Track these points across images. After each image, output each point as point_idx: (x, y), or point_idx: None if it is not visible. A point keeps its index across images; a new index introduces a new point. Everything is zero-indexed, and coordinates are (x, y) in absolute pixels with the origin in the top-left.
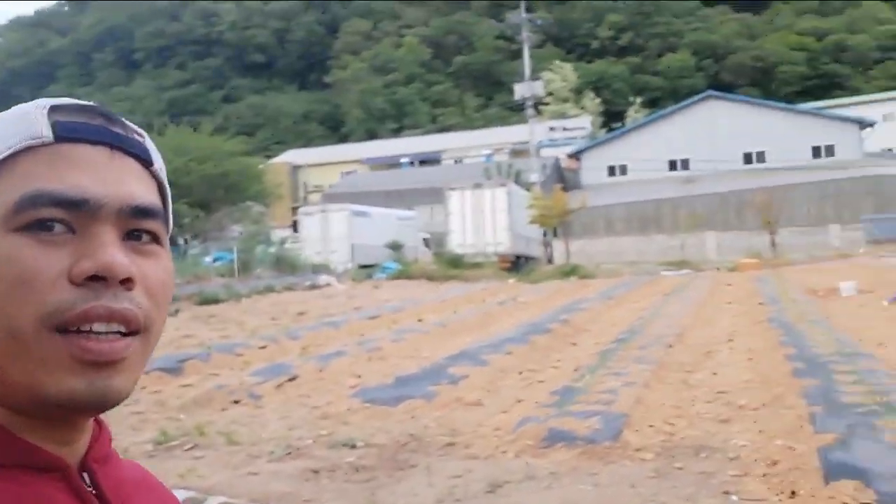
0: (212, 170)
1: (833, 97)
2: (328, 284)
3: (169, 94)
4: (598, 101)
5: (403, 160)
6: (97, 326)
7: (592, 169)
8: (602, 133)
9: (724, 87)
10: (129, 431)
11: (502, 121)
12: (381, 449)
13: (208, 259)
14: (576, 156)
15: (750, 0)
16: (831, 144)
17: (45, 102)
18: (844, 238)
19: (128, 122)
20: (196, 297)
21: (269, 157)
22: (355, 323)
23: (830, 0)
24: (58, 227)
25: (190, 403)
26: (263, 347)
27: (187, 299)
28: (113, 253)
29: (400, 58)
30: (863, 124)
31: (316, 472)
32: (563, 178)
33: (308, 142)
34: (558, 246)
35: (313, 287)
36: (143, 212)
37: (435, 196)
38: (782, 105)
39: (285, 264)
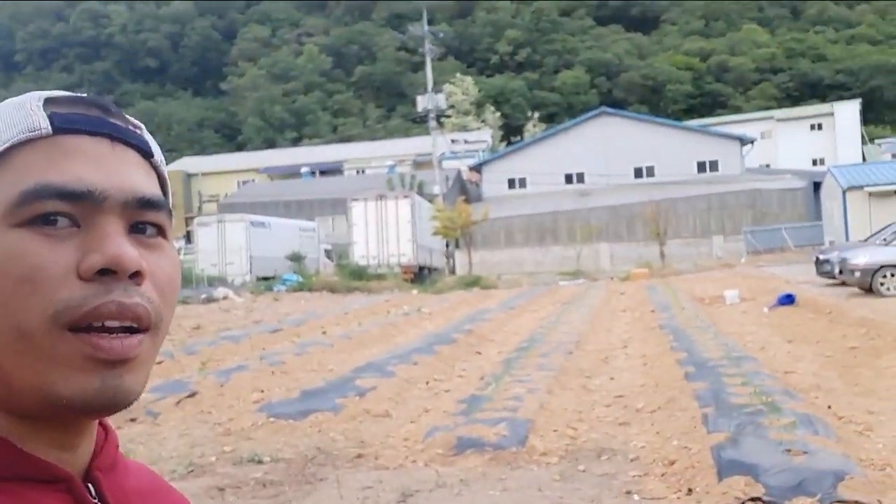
0: None
1: (716, 115)
2: (225, 297)
3: None
4: (498, 114)
5: (304, 170)
6: (109, 323)
7: (493, 181)
8: (502, 146)
9: (616, 103)
10: None
11: (404, 132)
12: (289, 463)
13: None
14: (477, 168)
15: (639, 20)
16: (715, 160)
17: (39, 95)
18: (727, 249)
19: (125, 114)
20: None
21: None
22: (256, 337)
23: (714, 22)
24: (62, 221)
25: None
26: (159, 363)
27: None
28: (121, 245)
29: (300, 66)
30: (744, 141)
31: (221, 489)
32: (466, 190)
33: (203, 150)
34: (460, 257)
35: (209, 300)
36: (148, 203)
37: (337, 207)
38: (670, 122)
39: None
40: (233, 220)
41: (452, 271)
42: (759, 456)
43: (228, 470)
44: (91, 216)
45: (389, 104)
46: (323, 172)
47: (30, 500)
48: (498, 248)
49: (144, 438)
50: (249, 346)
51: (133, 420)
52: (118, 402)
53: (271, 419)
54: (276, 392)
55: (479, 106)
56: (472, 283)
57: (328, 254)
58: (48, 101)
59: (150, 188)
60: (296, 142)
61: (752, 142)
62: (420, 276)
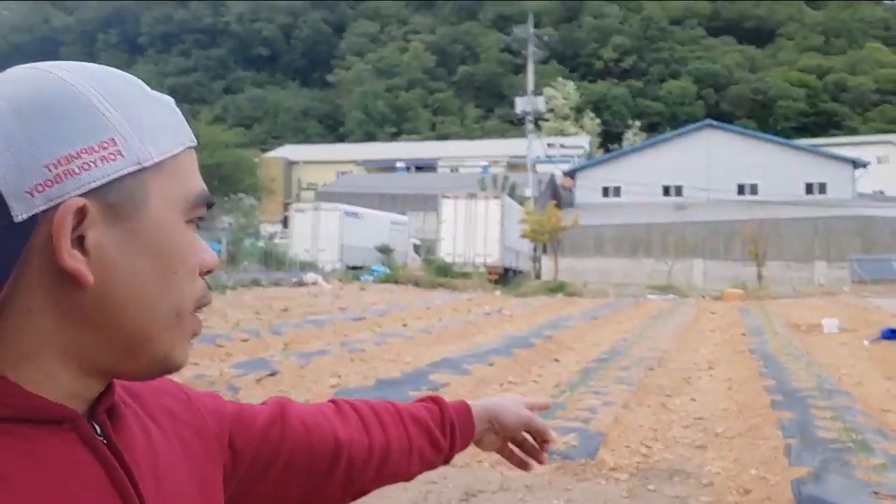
0: (207, 159)
1: (829, 135)
2: (315, 283)
3: (171, 81)
4: (597, 121)
5: (399, 164)
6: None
7: (587, 188)
8: (599, 153)
9: (722, 116)
10: None
11: (500, 133)
12: None
13: None
14: (571, 174)
15: (754, 33)
16: (824, 182)
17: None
18: (830, 276)
19: None
20: None
21: (265, 150)
22: (340, 323)
23: (834, 39)
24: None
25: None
26: (245, 340)
27: None
28: (213, 252)
29: (404, 62)
30: (856, 164)
31: None
32: (558, 195)
33: (305, 139)
34: (547, 262)
35: (300, 284)
36: (210, 204)
37: (428, 203)
38: (779, 139)
39: (273, 259)
40: (328, 209)
41: (538, 276)
42: (843, 495)
43: None
44: None
45: (488, 105)
46: (418, 168)
47: (35, 439)
48: (586, 256)
49: None
50: (332, 332)
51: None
52: (184, 366)
53: None
54: (353, 379)
55: (578, 111)
56: (557, 288)
57: (416, 248)
58: None
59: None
60: (394, 136)
61: (865, 165)
62: (505, 277)
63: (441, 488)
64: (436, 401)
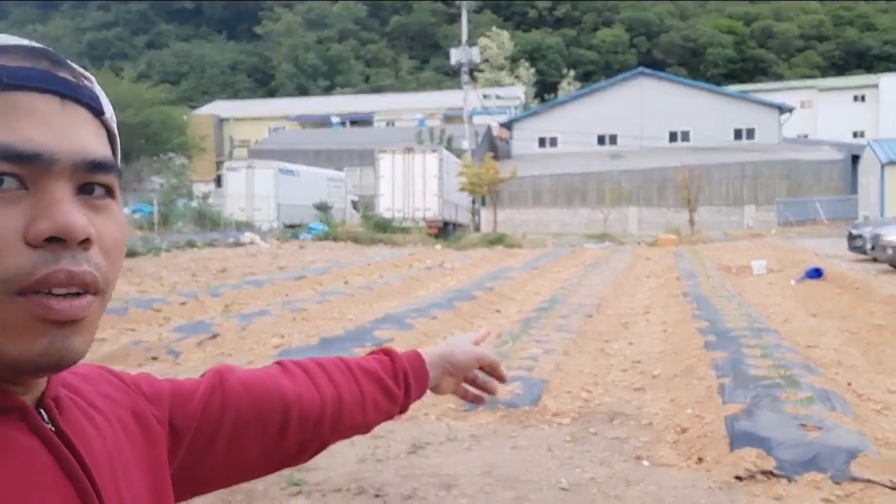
0: (132, 118)
1: (756, 81)
2: (252, 242)
3: (89, 36)
4: (532, 71)
5: (334, 119)
6: (56, 291)
7: (523, 139)
8: (535, 104)
9: (655, 64)
10: None
11: (436, 85)
12: None
13: (127, 211)
14: (508, 125)
15: None
16: (752, 128)
17: None
18: (759, 219)
19: (75, 66)
20: None
21: (193, 107)
22: (280, 283)
23: None
24: (9, 182)
25: (104, 359)
26: (184, 304)
27: None
28: (70, 212)
29: (335, 13)
30: (782, 109)
31: None
32: (495, 147)
33: (235, 94)
34: (486, 214)
35: (236, 245)
36: (97, 166)
37: (365, 158)
38: (709, 86)
39: (207, 220)
40: (262, 167)
41: (477, 228)
42: (772, 429)
43: None
44: (39, 179)
45: (423, 56)
46: (353, 123)
47: None
48: (525, 207)
49: (163, 377)
50: (272, 292)
51: (154, 359)
52: (64, 362)
53: None
54: (296, 338)
55: (513, 61)
56: (496, 240)
57: (354, 205)
58: None
59: (101, 149)
60: (328, 90)
61: (790, 110)
62: (444, 231)
63: (388, 442)
64: (386, 352)
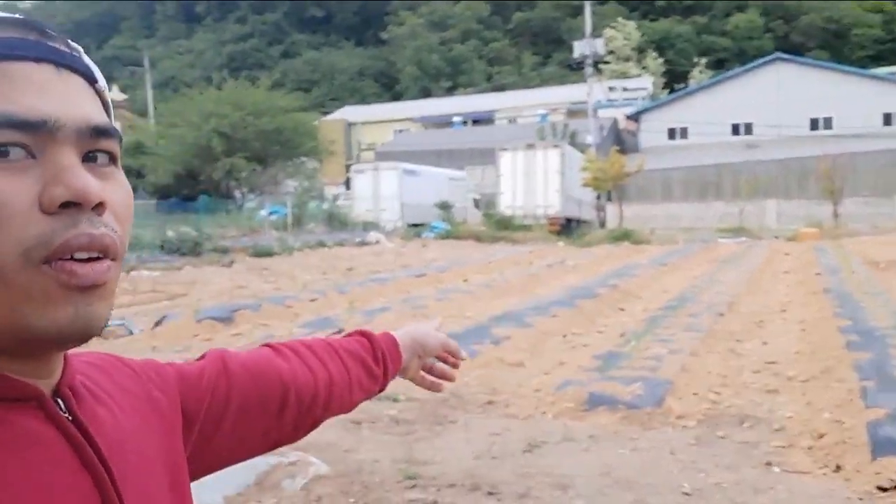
0: (268, 124)
1: None
2: (377, 242)
3: (228, 48)
4: (660, 61)
5: (456, 119)
6: (78, 255)
7: (652, 131)
8: (664, 94)
9: (793, 49)
10: None
11: (560, 80)
12: (422, 404)
13: (263, 213)
14: (635, 117)
15: None
16: None
17: None
18: None
19: (64, 37)
20: (250, 249)
21: (324, 113)
22: (402, 280)
23: None
24: (16, 153)
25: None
26: (313, 300)
27: (242, 251)
28: (83, 176)
29: (457, 13)
30: None
31: (357, 423)
32: (621, 140)
33: (362, 99)
34: (612, 210)
35: (363, 244)
36: (100, 131)
37: (486, 156)
38: (854, 69)
39: (337, 220)
40: (386, 169)
41: (602, 225)
42: None
43: (366, 405)
44: (46, 147)
45: (546, 51)
46: (475, 122)
47: (2, 418)
48: (653, 202)
49: None
50: (395, 289)
51: None
52: (90, 330)
53: None
54: None
55: (640, 52)
56: (622, 237)
57: (476, 203)
58: None
59: (101, 116)
60: (450, 91)
61: None
62: (567, 228)
63: (504, 439)
64: (363, 334)
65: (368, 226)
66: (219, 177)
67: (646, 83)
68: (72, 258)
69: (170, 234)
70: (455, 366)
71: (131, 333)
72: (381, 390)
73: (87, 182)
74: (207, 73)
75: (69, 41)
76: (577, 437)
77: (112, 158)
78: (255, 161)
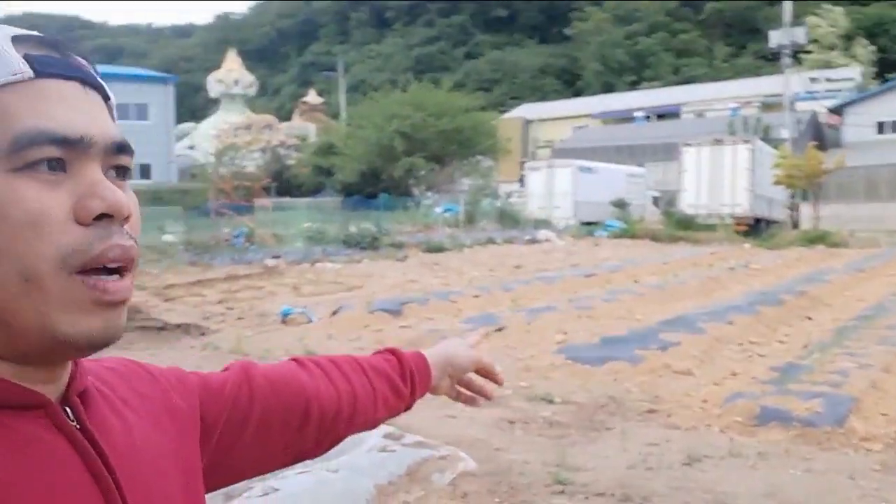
0: (447, 124)
1: None
2: (547, 240)
3: (416, 52)
4: (872, 49)
5: (638, 114)
6: (111, 265)
7: (857, 125)
8: (874, 85)
9: None
10: None
11: (754, 71)
12: (579, 407)
13: (438, 210)
14: (838, 110)
15: None
16: None
17: (5, 33)
18: None
19: (77, 55)
20: (424, 245)
21: (504, 112)
22: (569, 280)
23: None
24: (51, 166)
25: (405, 343)
26: (477, 297)
27: (416, 247)
28: (116, 190)
29: (645, 6)
30: None
31: (511, 422)
32: (820, 135)
33: (543, 96)
34: (806, 210)
35: (532, 242)
36: (122, 148)
37: (669, 152)
38: None
39: (508, 218)
40: (561, 166)
41: (795, 225)
42: None
43: (521, 405)
44: (79, 161)
45: (740, 41)
46: (660, 116)
47: (8, 425)
48: (856, 202)
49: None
50: (561, 288)
51: None
52: (114, 339)
53: (569, 361)
54: (579, 336)
55: (848, 39)
56: (817, 239)
57: (655, 201)
58: (16, 40)
59: (119, 132)
60: (633, 85)
61: None
62: (755, 228)
63: (662, 451)
64: (393, 352)
65: (540, 224)
66: (399, 175)
67: (852, 73)
68: (104, 268)
69: (352, 229)
70: (497, 383)
71: (310, 321)
72: (408, 408)
73: (119, 196)
74: (395, 76)
75: (81, 57)
76: (743, 453)
77: (127, 172)
78: (433, 160)
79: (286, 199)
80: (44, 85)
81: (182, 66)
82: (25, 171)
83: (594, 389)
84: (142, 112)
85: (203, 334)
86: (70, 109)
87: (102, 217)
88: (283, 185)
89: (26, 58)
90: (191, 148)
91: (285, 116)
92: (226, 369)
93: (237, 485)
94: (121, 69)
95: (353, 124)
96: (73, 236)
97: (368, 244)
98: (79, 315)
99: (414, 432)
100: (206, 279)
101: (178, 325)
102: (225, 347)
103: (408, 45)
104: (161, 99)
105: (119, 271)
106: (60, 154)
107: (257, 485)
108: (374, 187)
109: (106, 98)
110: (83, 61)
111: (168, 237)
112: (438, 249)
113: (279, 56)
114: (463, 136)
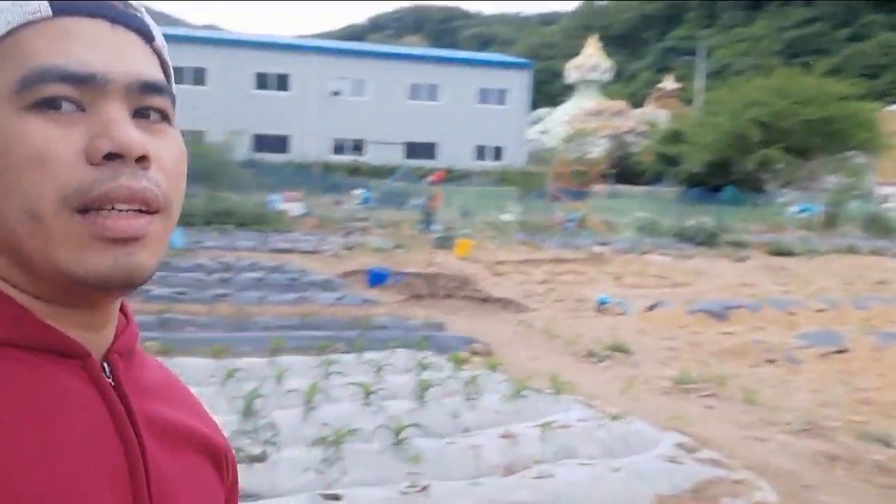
0: (814, 114)
1: None
2: None
3: (788, 34)
4: None
5: None
6: (118, 206)
7: None
8: None
9: None
10: (655, 364)
11: None
12: None
13: (792, 209)
14: None
15: None
16: None
17: None
18: None
19: None
20: (769, 246)
21: (890, 103)
22: None
23: None
24: (66, 105)
25: (723, 351)
26: (821, 311)
27: (759, 248)
28: (127, 130)
29: None
30: None
31: (832, 458)
32: None
33: None
34: None
35: None
36: (150, 87)
37: None
38: None
39: (879, 225)
40: None
41: None
42: None
43: (848, 441)
44: (95, 100)
45: None
46: None
47: (45, 371)
48: None
49: (775, 382)
50: None
51: (770, 361)
52: (132, 279)
53: None
54: None
55: None
56: None
57: None
58: None
59: (153, 72)
60: None
61: None
62: None
63: None
64: None
65: None
66: (750, 168)
67: None
68: (112, 209)
69: (689, 222)
70: None
71: (624, 313)
72: None
73: (131, 134)
74: (762, 60)
75: (131, 2)
76: None
77: (164, 116)
78: (793, 153)
79: (623, 187)
80: (64, 23)
81: (544, 52)
82: (35, 110)
83: None
84: (501, 97)
85: (521, 311)
86: (87, 47)
87: (114, 157)
88: (624, 172)
89: None
90: (543, 133)
91: (639, 102)
92: None
93: (514, 461)
94: (484, 56)
95: (706, 111)
96: (77, 176)
97: (704, 240)
98: (82, 252)
99: (711, 448)
100: (533, 259)
101: (500, 300)
102: (538, 327)
103: (780, 26)
104: (518, 84)
105: (140, 213)
106: (74, 92)
107: (534, 467)
108: (721, 179)
109: (150, 39)
110: (118, 2)
111: (506, 216)
112: (786, 253)
113: (639, 41)
114: (833, 128)
